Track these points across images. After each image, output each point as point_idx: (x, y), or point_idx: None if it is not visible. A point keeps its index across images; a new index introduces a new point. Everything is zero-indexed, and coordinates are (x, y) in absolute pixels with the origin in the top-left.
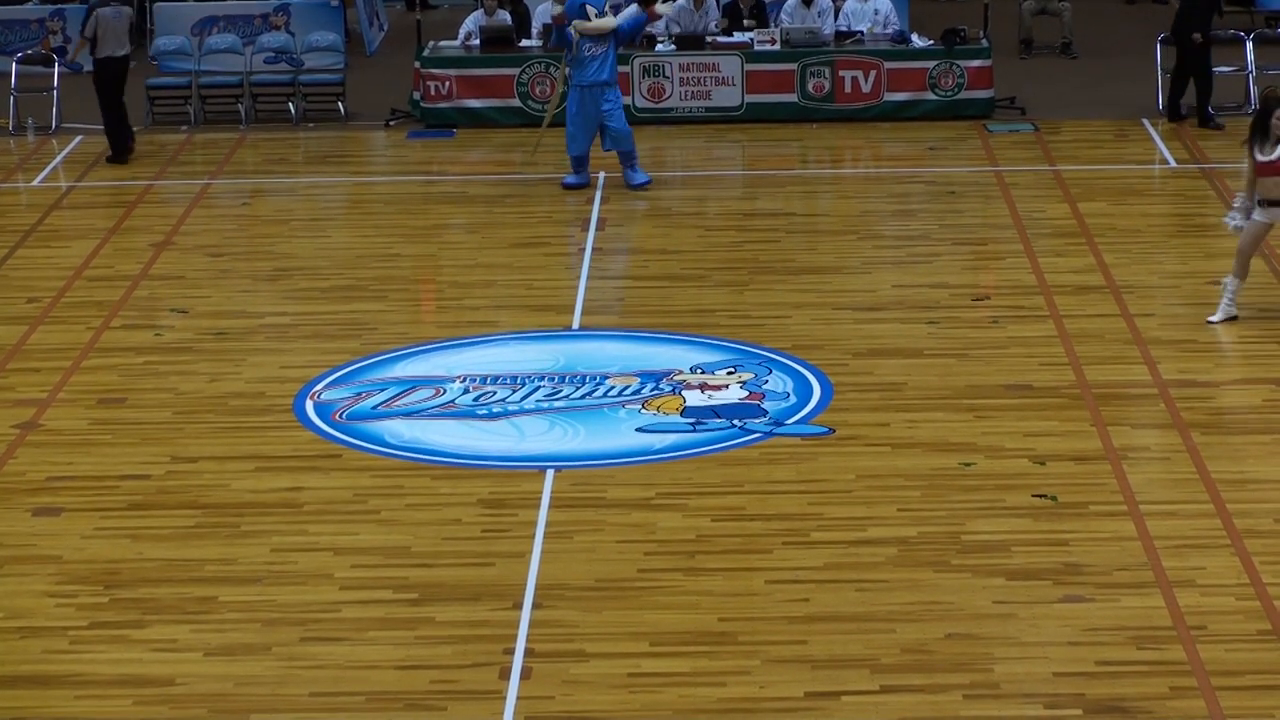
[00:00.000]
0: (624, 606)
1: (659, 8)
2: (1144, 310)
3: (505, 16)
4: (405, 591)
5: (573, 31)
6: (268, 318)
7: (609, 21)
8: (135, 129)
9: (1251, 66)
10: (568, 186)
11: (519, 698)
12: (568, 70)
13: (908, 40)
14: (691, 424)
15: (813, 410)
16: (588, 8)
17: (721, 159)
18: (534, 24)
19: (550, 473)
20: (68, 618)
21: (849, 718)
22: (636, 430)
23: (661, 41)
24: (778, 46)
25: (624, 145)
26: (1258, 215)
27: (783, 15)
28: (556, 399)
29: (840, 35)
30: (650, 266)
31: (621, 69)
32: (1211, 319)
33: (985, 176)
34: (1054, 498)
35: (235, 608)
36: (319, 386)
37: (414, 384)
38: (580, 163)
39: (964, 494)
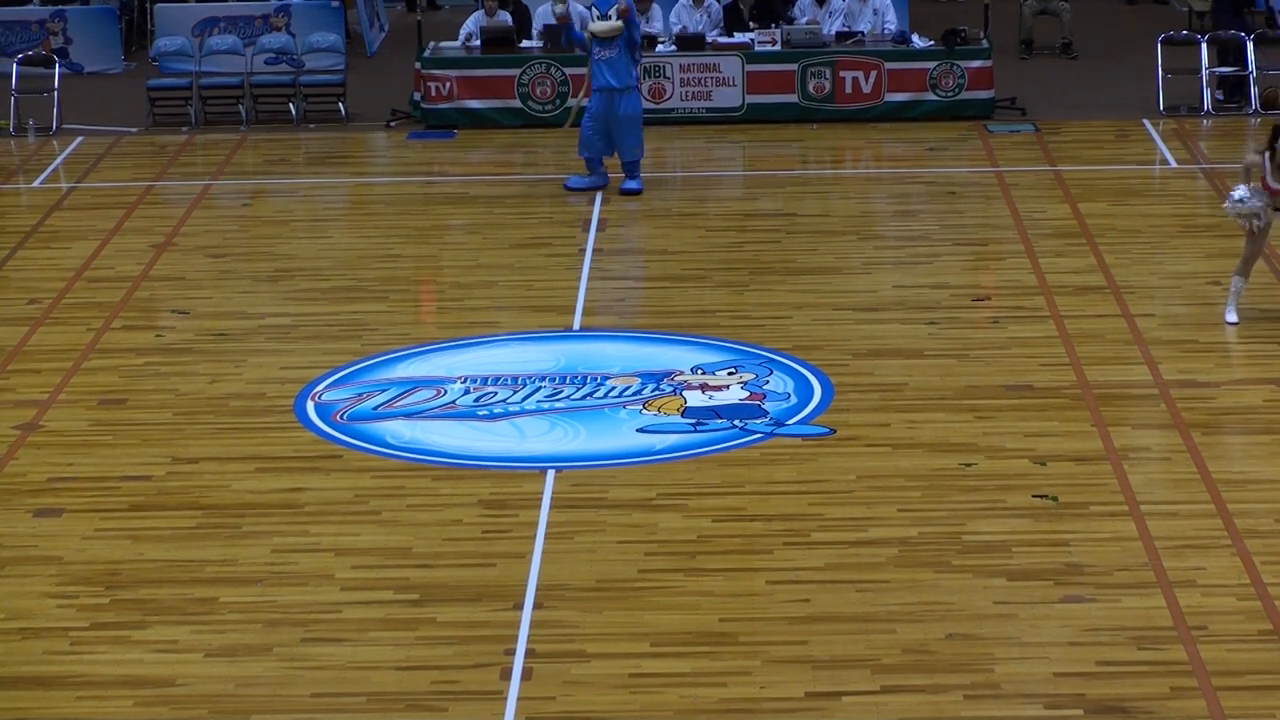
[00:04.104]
0: (625, 607)
1: (592, 27)
2: (1144, 310)
3: (506, 17)
4: (406, 592)
5: (582, 32)
6: (268, 318)
7: (613, 25)
8: (135, 130)
9: (1252, 66)
10: (570, 188)
11: (520, 698)
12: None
13: (908, 41)
14: (692, 424)
15: (813, 411)
16: (593, 9)
17: (722, 159)
18: (534, 25)
19: (551, 473)
20: (69, 619)
21: (850, 718)
22: (637, 431)
23: (662, 42)
24: (778, 47)
25: (626, 154)
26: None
27: (795, 12)
28: (557, 400)
29: (840, 36)
30: (651, 267)
31: None
32: (1230, 319)
33: (986, 177)
34: (1055, 498)
35: (236, 608)
36: (320, 387)
37: (415, 385)
38: (592, 164)
39: (964, 494)
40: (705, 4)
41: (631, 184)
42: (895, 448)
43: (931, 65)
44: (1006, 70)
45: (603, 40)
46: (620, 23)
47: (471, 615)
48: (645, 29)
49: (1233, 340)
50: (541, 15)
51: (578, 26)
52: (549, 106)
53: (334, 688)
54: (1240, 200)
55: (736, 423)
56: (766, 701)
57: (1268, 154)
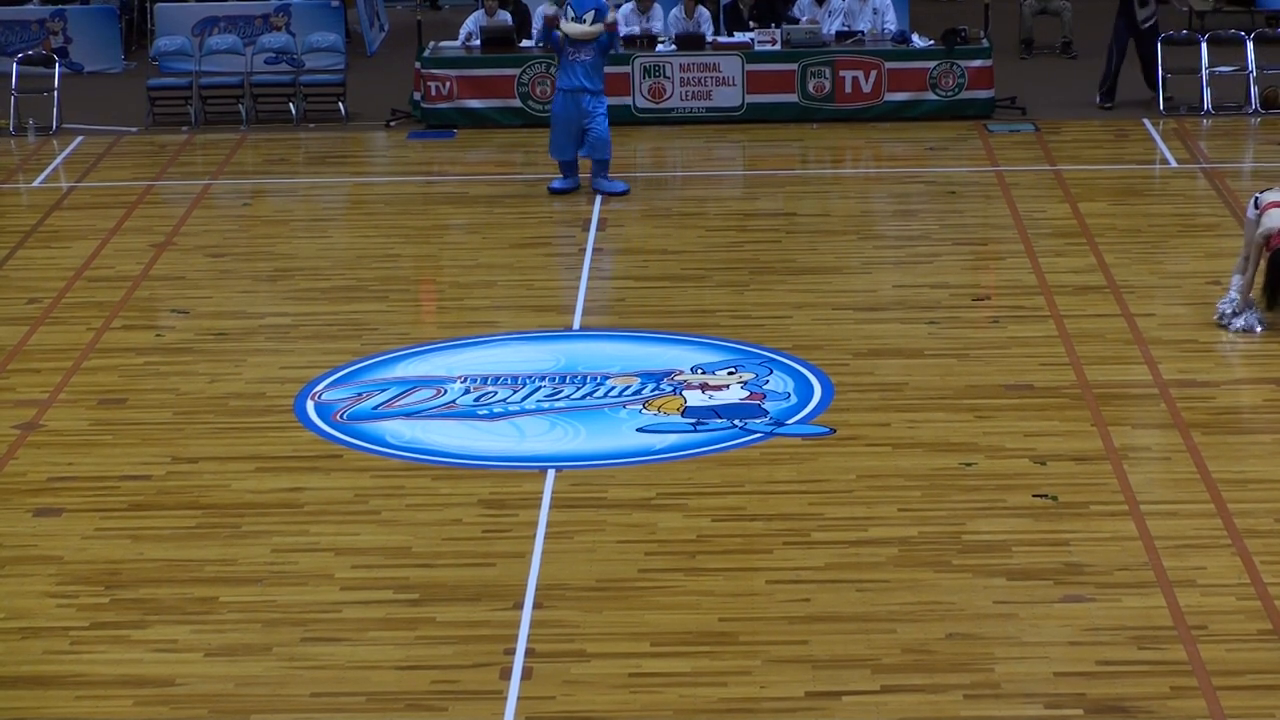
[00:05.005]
0: (625, 606)
1: (609, 19)
2: (1144, 310)
3: (505, 17)
4: (406, 592)
5: (559, 33)
6: (268, 318)
7: (590, 29)
8: (135, 130)
9: (1252, 66)
10: (554, 191)
11: (520, 698)
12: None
13: (908, 40)
14: (692, 424)
15: (813, 410)
16: (568, 9)
17: (722, 159)
18: (534, 24)
19: (551, 473)
20: (68, 618)
21: (850, 718)
22: (637, 430)
23: (662, 42)
24: (778, 47)
25: (599, 153)
26: None
27: (794, 11)
28: (557, 399)
29: (841, 35)
30: (650, 267)
31: (623, 69)
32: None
33: (986, 176)
34: (1054, 497)
35: (236, 608)
36: (320, 387)
37: (415, 384)
38: (568, 167)
39: (965, 494)
40: (696, 14)
41: (615, 185)
42: (895, 447)
43: (931, 65)
44: (1006, 70)
45: (578, 43)
46: (598, 27)
47: (471, 615)
48: (647, 27)
49: (1232, 340)
50: (541, 15)
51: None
52: (549, 106)
53: (333, 687)
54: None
55: (736, 422)
56: (766, 701)
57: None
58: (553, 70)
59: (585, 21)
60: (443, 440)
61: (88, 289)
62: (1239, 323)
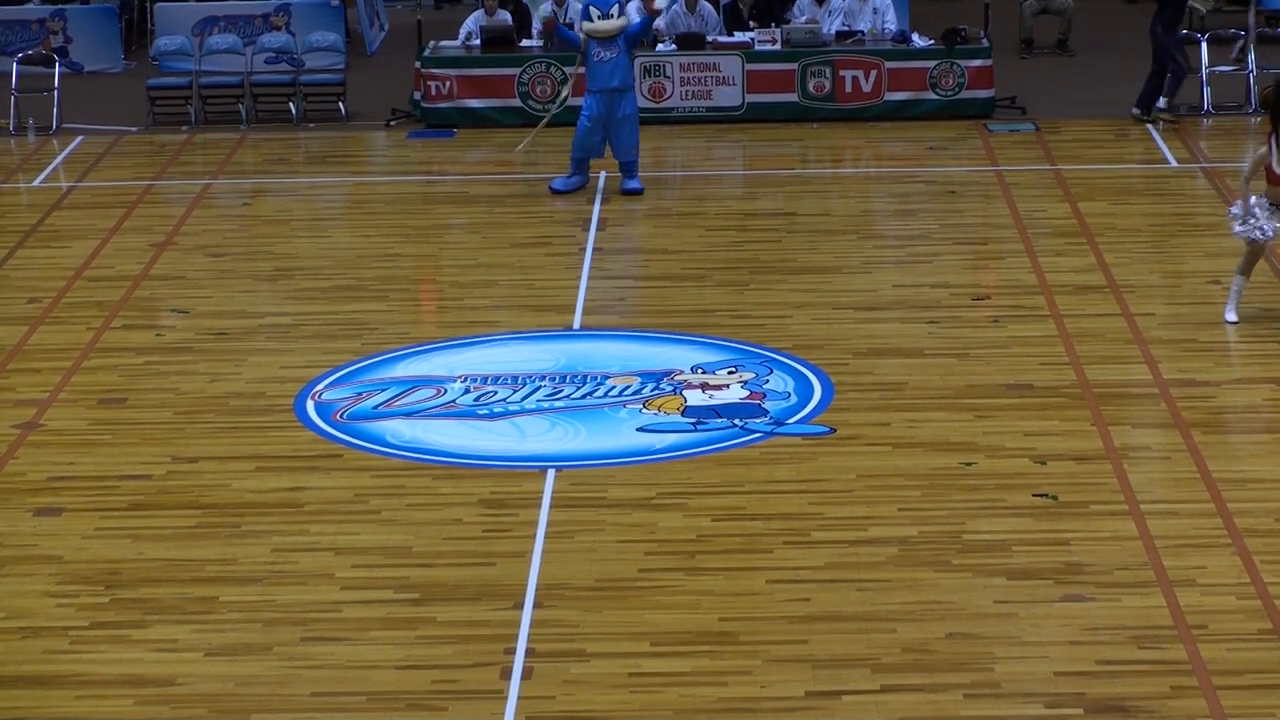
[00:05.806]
0: (625, 606)
1: (657, 4)
2: (1144, 310)
3: (506, 16)
4: (406, 591)
5: (580, 35)
6: (268, 318)
7: (615, 23)
8: (135, 129)
9: (1252, 66)
10: (555, 190)
11: (520, 697)
12: (580, 70)
13: (908, 40)
14: (692, 424)
15: (813, 410)
16: (591, 9)
17: (722, 159)
18: (534, 24)
19: (551, 472)
20: (68, 618)
21: (850, 717)
22: (637, 430)
23: (663, 41)
24: (778, 46)
25: (624, 156)
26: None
27: (794, 11)
28: (557, 399)
29: (841, 35)
30: (651, 266)
31: None
32: (1230, 318)
33: (986, 176)
34: (1055, 497)
35: (236, 608)
36: (320, 386)
37: (415, 384)
38: (581, 164)
39: (965, 493)
40: (699, 9)
41: (633, 184)
42: (895, 447)
43: (931, 64)
44: (1007, 69)
45: (602, 40)
46: (623, 20)
47: (471, 614)
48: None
49: (1233, 340)
50: (540, 19)
51: (572, 24)
52: (549, 105)
53: (334, 687)
54: (1247, 221)
55: (736, 422)
56: (766, 701)
57: (1273, 137)
58: (553, 70)
59: (612, 17)
60: (443, 440)
61: (88, 289)
62: (1241, 229)
